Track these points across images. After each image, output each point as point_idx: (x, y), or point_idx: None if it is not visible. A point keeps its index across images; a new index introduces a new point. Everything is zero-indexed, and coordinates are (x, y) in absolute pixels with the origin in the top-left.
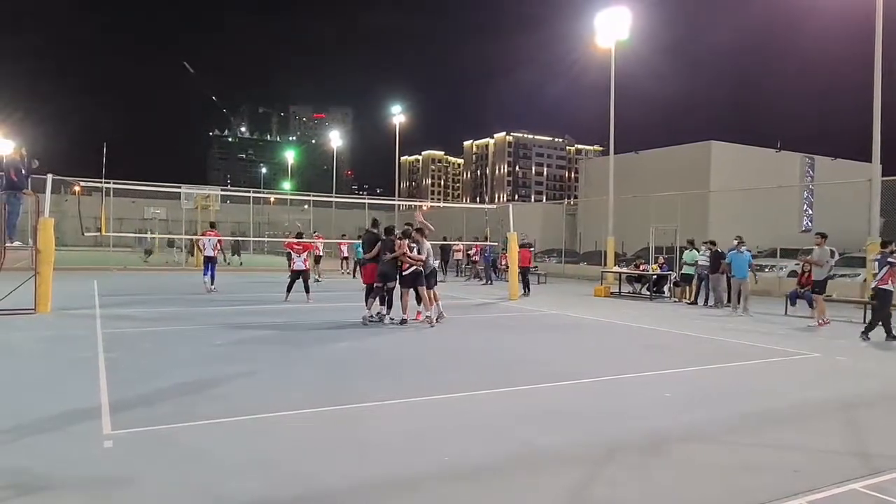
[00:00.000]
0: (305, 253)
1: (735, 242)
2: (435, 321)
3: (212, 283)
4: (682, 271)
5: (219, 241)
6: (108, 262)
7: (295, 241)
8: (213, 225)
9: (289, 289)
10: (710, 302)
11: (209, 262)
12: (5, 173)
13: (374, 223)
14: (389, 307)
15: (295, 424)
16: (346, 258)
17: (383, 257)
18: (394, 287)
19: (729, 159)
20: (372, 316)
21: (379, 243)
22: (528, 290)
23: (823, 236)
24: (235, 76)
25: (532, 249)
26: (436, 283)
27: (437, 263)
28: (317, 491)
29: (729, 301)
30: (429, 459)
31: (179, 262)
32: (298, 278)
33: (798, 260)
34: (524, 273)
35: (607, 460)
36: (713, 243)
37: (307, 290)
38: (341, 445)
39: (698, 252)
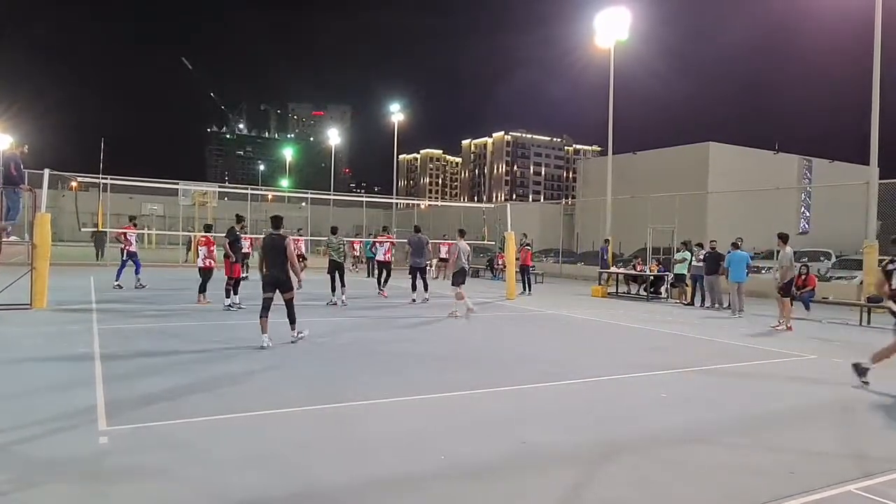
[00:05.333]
0: (205, 249)
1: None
2: (459, 315)
3: (116, 280)
4: (675, 271)
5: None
6: (105, 258)
7: (203, 236)
8: (131, 219)
9: (203, 289)
10: (707, 303)
11: (133, 257)
12: (4, 169)
13: (239, 218)
14: (292, 322)
15: (293, 422)
16: (357, 256)
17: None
18: (292, 298)
19: (727, 161)
20: (232, 306)
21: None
22: (531, 289)
23: (784, 238)
24: (234, 73)
25: (531, 249)
26: (463, 282)
27: (467, 265)
28: (314, 488)
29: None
30: (427, 458)
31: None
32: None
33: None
34: (526, 272)
35: (604, 460)
36: (714, 243)
37: (201, 289)
38: (339, 443)
39: (691, 253)
